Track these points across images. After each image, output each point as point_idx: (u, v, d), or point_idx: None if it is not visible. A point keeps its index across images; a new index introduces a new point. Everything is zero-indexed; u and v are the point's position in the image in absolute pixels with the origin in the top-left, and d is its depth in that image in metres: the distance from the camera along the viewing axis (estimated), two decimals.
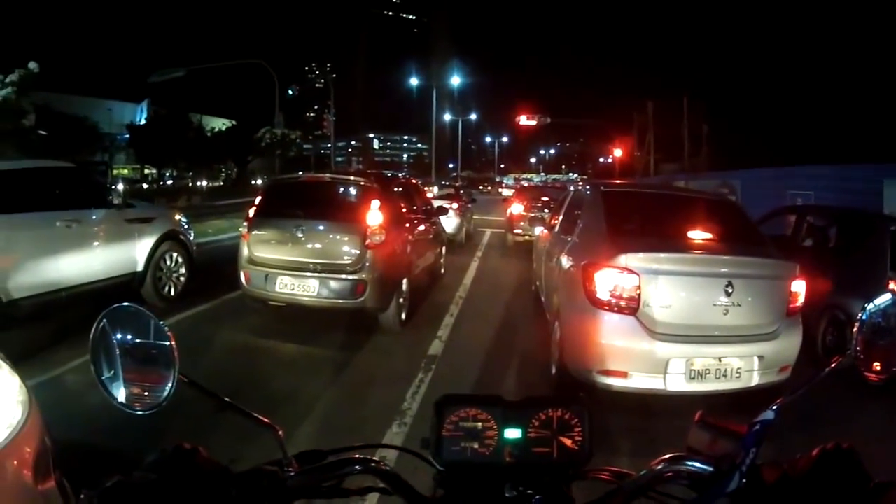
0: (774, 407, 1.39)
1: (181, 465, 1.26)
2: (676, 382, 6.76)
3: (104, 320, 1.47)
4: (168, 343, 1.46)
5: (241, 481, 1.35)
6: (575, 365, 7.38)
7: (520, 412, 1.64)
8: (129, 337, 1.47)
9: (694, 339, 6.93)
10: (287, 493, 1.43)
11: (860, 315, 1.55)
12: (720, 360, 6.83)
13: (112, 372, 1.46)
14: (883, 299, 1.57)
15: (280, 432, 1.50)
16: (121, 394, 1.47)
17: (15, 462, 3.27)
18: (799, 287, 7.34)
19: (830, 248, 11.28)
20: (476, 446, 1.60)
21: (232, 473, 1.34)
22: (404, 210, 11.96)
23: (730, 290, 6.85)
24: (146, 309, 1.51)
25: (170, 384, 1.44)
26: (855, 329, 1.54)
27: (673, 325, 6.90)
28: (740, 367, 6.86)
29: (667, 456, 1.49)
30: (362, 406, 7.48)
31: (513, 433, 1.61)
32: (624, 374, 6.85)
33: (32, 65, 36.34)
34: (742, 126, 54.08)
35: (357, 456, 1.58)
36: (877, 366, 1.54)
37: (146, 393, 1.47)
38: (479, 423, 1.62)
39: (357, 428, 6.75)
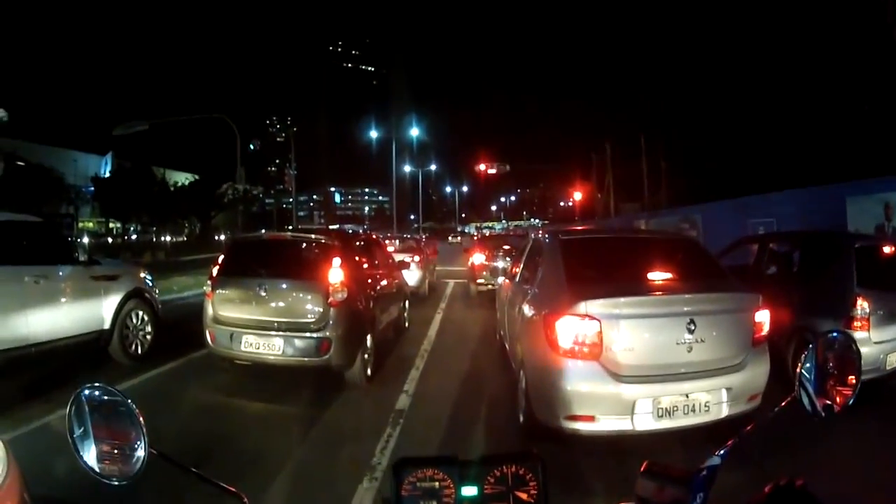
0: (721, 452, 1.44)
1: None
2: (644, 422, 6.80)
3: (77, 401, 1.55)
4: (137, 420, 1.53)
5: None
6: (542, 412, 7.40)
7: (475, 470, 1.68)
8: (101, 414, 1.54)
9: (659, 378, 6.97)
10: None
11: (801, 361, 1.61)
12: (687, 396, 6.87)
13: (88, 448, 1.54)
14: (843, 350, 1.62)
15: (245, 500, 1.54)
16: (98, 467, 1.54)
17: None
18: (763, 317, 7.43)
19: (795, 273, 11.47)
20: None
21: None
22: (366, 266, 12.03)
23: (692, 328, 6.92)
24: (114, 388, 1.60)
25: (141, 457, 1.51)
26: (798, 370, 1.59)
27: (637, 366, 6.95)
28: (709, 401, 6.92)
29: None
30: (332, 463, 7.45)
31: (469, 490, 1.65)
32: (591, 419, 6.86)
33: (1, 112, 36.17)
34: (700, 160, 54.57)
35: None
36: (826, 401, 1.58)
37: (121, 465, 1.54)
38: (437, 483, 1.65)
39: (328, 485, 6.73)
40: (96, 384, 1.61)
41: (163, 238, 79.49)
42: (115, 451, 1.54)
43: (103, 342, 11.03)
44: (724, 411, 7.00)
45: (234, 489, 1.55)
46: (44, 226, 11.11)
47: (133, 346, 11.79)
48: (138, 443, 1.52)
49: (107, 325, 11.15)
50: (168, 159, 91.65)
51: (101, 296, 11.10)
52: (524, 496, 1.66)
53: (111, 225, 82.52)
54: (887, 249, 10.40)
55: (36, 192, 51.00)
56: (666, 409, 6.83)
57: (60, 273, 10.39)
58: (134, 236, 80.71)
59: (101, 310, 11.07)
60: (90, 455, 1.54)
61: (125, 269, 12.89)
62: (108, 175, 78.38)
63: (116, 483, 1.52)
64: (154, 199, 69.50)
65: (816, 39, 49.22)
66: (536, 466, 1.69)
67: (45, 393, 8.84)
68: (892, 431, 8.20)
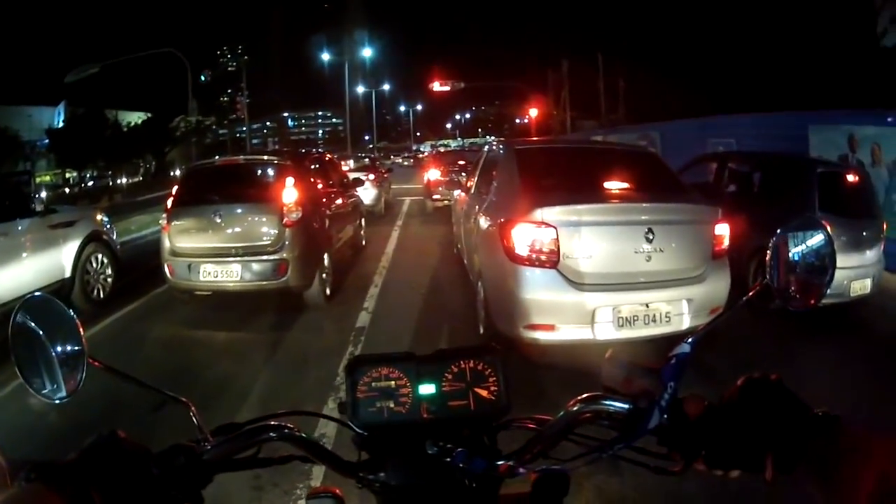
0: (690, 340, 1.36)
1: (102, 450, 1.26)
2: (605, 331, 6.85)
3: (17, 314, 1.47)
4: (77, 331, 1.45)
5: (161, 459, 1.33)
6: (501, 322, 7.45)
7: (432, 367, 1.63)
8: (42, 327, 1.47)
9: (619, 286, 7.02)
10: (205, 466, 1.42)
11: (772, 241, 1.54)
12: (647, 306, 6.93)
13: (30, 363, 1.47)
14: (816, 240, 1.55)
15: (192, 407, 1.49)
16: (39, 384, 1.47)
17: None
18: (723, 230, 7.47)
19: (755, 193, 11.45)
20: (392, 405, 1.59)
21: (152, 453, 1.32)
22: (320, 185, 11.98)
23: (650, 237, 6.97)
24: (55, 298, 1.52)
25: (82, 369, 1.43)
26: (768, 256, 1.53)
27: (596, 274, 6.97)
28: (669, 312, 6.98)
29: (582, 396, 1.49)
30: (296, 385, 7.50)
31: (427, 389, 1.60)
32: (551, 328, 6.91)
33: None
34: (659, 79, 54.39)
35: (272, 423, 1.55)
36: (797, 297, 1.53)
37: (63, 380, 1.47)
38: (393, 382, 1.61)
39: (293, 407, 6.67)
40: (37, 294, 1.53)
41: (119, 181, 78.50)
42: (57, 366, 1.46)
43: (65, 291, 10.72)
44: (686, 323, 7.06)
45: (179, 397, 1.51)
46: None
47: (95, 291, 11.56)
48: (79, 354, 1.45)
49: (67, 274, 10.91)
50: (122, 100, 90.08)
51: (61, 244, 10.84)
52: (484, 392, 1.62)
53: (67, 175, 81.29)
54: (850, 178, 10.41)
55: None
56: (626, 318, 6.89)
57: (19, 227, 10.12)
58: (91, 183, 79.35)
59: (62, 258, 10.83)
60: (33, 373, 1.47)
61: (82, 213, 12.67)
62: (61, 125, 77.21)
63: (58, 400, 1.47)
64: (107, 142, 68.42)
65: None
66: (495, 361, 1.65)
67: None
68: (854, 356, 8.17)
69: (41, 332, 1.47)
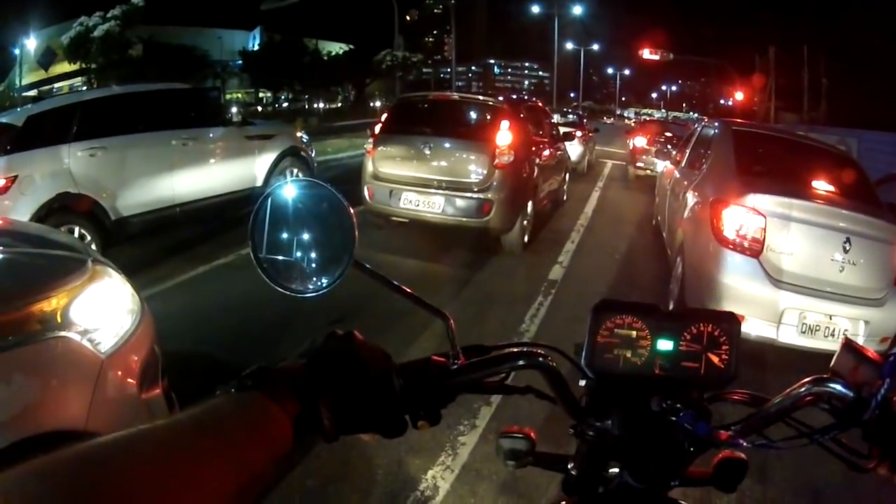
0: None
1: (335, 354, 1.21)
2: (788, 334, 6.69)
3: (273, 194, 1.42)
4: (348, 220, 1.39)
5: (408, 371, 1.31)
6: (693, 300, 7.35)
7: (673, 324, 1.62)
8: (300, 212, 1.41)
9: (809, 291, 6.79)
10: (454, 385, 1.40)
11: None
12: (831, 318, 6.70)
13: (274, 250, 1.40)
14: None
15: (451, 321, 1.46)
16: (282, 274, 1.40)
17: (119, 371, 3.43)
18: None
19: None
20: (629, 354, 1.59)
21: (394, 363, 1.29)
22: (532, 133, 11.83)
23: (847, 247, 6.73)
24: (332, 188, 1.41)
25: (343, 264, 1.39)
26: None
27: (792, 274, 6.81)
28: (847, 330, 6.68)
29: (809, 378, 1.47)
30: (482, 325, 7.58)
31: (665, 344, 1.60)
32: (740, 318, 6.76)
33: None
34: (862, 85, 52.19)
35: (526, 350, 1.52)
36: None
37: (313, 273, 1.41)
38: (634, 332, 1.60)
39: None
40: (305, 178, 1.48)
41: (316, 105, 79.16)
42: (309, 258, 1.40)
43: (255, 199, 11.15)
44: None
45: (439, 309, 1.46)
46: (192, 92, 11.63)
47: None
48: (345, 248, 1.39)
49: (259, 183, 11.57)
50: (320, 31, 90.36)
51: (255, 154, 11.50)
52: (716, 359, 1.59)
53: (261, 94, 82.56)
54: None
55: (179, 69, 50.50)
56: (810, 326, 6.68)
57: (211, 134, 10.81)
58: (285, 104, 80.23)
59: (254, 168, 11.51)
60: (274, 261, 1.39)
61: (281, 128, 13.34)
62: (256, 49, 78.24)
63: (310, 294, 1.39)
64: (306, 68, 68.87)
65: None
66: (732, 330, 1.62)
67: (185, 251, 9.30)
68: None
69: (306, 218, 1.41)
